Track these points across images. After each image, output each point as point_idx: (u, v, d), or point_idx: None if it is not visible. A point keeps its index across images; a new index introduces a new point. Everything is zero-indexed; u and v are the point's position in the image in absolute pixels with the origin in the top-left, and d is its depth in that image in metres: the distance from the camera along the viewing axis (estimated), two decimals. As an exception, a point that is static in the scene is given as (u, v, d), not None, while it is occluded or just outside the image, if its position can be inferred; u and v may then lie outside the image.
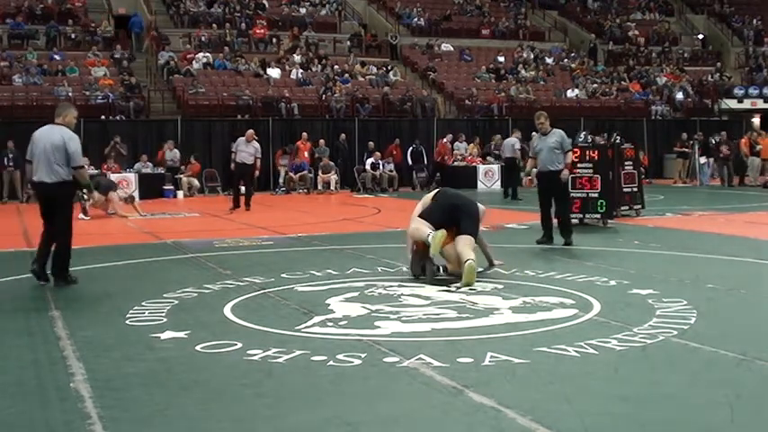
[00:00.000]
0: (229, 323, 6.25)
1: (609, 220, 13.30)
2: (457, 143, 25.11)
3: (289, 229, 13.23)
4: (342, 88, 26.52)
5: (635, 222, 13.56)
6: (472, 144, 25.51)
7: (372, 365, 4.95)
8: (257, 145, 17.67)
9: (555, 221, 10.84)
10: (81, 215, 15.33)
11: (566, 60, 33.35)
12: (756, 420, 4.00)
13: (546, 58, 33.03)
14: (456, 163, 24.48)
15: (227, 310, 6.67)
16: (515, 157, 20.42)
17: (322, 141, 24.04)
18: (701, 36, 37.28)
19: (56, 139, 8.05)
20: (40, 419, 4.09)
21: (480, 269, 8.59)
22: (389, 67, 29.53)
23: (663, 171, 27.86)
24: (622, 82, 31.86)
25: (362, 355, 5.15)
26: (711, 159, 24.58)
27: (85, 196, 15.22)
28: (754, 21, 36.90)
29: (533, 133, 13.53)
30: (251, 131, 17.91)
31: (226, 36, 29.12)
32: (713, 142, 24.66)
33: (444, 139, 24.54)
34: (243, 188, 17.53)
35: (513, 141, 21.00)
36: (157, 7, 31.00)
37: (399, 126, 25.91)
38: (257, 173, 17.93)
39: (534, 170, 11.50)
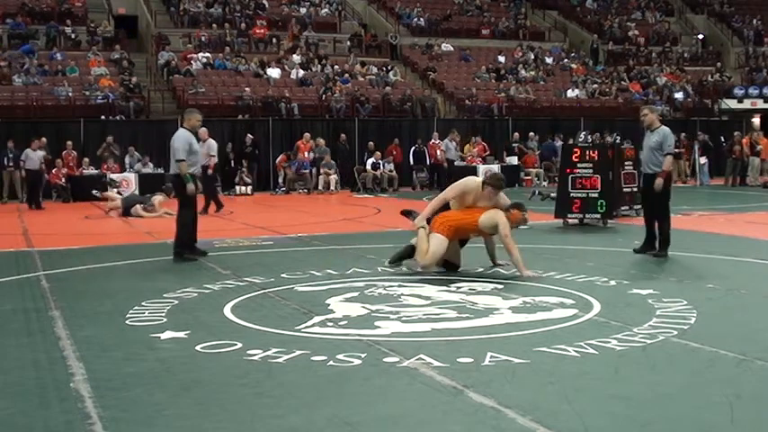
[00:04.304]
0: (229, 323, 6.25)
1: (609, 220, 13.31)
2: (446, 141, 23.95)
3: (289, 229, 13.22)
4: (342, 88, 26.52)
5: (635, 222, 13.55)
6: (469, 144, 25.39)
7: (372, 365, 4.95)
8: (212, 143, 16.83)
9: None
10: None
11: (566, 60, 33.36)
12: (756, 420, 4.00)
13: (546, 58, 33.05)
14: (457, 163, 24.29)
15: (227, 310, 6.66)
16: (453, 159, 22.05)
17: (322, 141, 24.04)
18: (700, 36, 37.28)
19: (173, 139, 9.97)
20: (40, 420, 4.09)
21: (480, 269, 8.61)
22: (389, 67, 29.53)
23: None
24: (622, 82, 31.87)
25: (362, 355, 5.15)
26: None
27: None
28: (754, 21, 36.93)
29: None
30: (204, 129, 16.15)
31: (226, 36, 29.14)
32: (725, 143, 24.81)
33: (433, 140, 24.49)
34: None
35: (448, 143, 22.29)
36: (157, 7, 31.02)
37: (399, 126, 25.91)
38: (210, 171, 16.52)
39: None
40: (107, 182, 16.87)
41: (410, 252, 8.57)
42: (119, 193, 17.55)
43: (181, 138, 9.87)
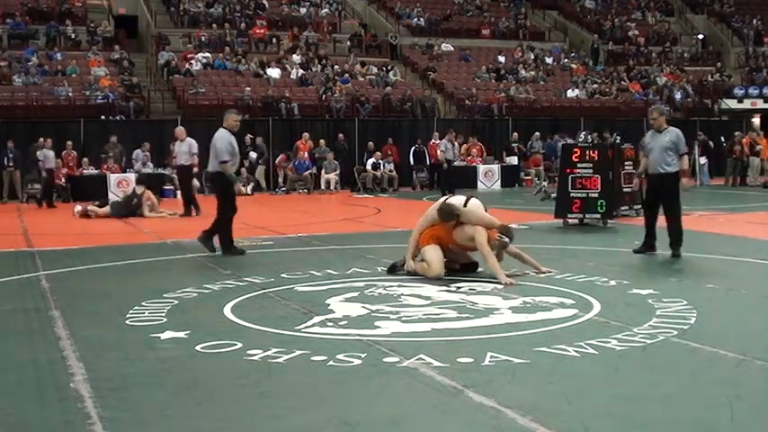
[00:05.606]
0: (229, 323, 6.24)
1: (609, 220, 13.31)
2: (444, 141, 23.42)
3: (289, 229, 13.23)
4: (342, 88, 26.53)
5: (635, 222, 13.55)
6: (466, 144, 25.32)
7: (372, 365, 4.95)
8: (192, 141, 16.18)
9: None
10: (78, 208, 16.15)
11: (566, 60, 33.38)
12: (756, 420, 4.00)
13: (546, 58, 33.06)
14: (457, 163, 24.22)
15: (227, 310, 6.66)
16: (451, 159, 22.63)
17: (322, 141, 24.04)
18: (700, 36, 37.30)
19: (213, 138, 10.30)
20: (40, 420, 4.09)
21: (479, 269, 8.60)
22: (389, 67, 29.54)
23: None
24: (622, 82, 31.88)
25: (362, 355, 5.15)
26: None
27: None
28: (754, 21, 36.95)
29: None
30: (180, 128, 16.55)
31: (226, 36, 29.14)
32: (725, 143, 24.81)
33: (433, 140, 24.45)
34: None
35: (447, 143, 22.58)
36: (157, 7, 31.03)
37: (399, 126, 25.91)
38: (195, 170, 16.52)
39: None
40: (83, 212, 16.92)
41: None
42: (99, 205, 16.97)
43: (223, 139, 10.13)
